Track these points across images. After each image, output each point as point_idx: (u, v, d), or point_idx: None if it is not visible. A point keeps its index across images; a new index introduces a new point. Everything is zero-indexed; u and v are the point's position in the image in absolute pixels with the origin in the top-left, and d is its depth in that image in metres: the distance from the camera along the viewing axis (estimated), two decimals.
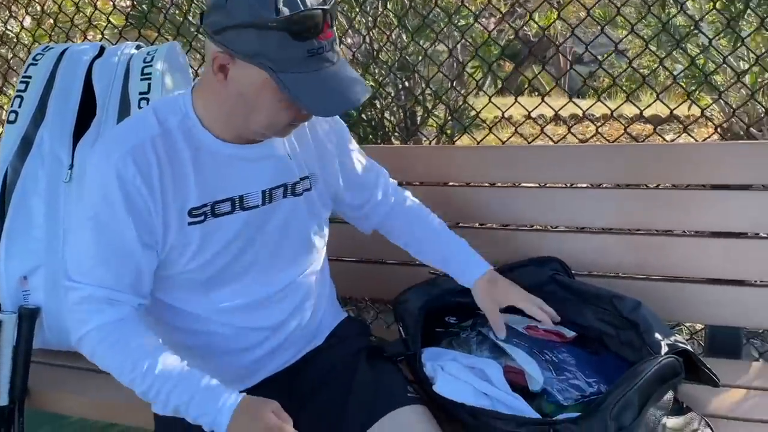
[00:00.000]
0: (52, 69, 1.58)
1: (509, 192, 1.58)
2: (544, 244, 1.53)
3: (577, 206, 1.52)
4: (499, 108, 2.05)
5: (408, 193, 1.39)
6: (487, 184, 1.60)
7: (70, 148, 1.50)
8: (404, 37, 2.55)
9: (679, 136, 3.74)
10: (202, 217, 1.08)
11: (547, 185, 1.55)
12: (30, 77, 1.56)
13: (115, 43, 2.06)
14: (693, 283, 1.45)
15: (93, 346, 1.04)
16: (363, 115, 2.77)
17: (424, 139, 2.79)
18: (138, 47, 1.64)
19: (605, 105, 1.96)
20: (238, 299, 1.15)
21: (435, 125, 2.81)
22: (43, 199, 1.48)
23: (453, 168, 1.59)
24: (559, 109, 2.09)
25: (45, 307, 1.46)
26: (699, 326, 2.06)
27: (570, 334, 1.33)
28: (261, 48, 0.95)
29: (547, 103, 2.07)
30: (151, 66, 1.54)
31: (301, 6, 0.94)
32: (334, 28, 1.00)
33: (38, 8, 2.84)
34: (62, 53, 1.61)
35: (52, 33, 2.77)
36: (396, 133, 2.82)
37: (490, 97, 2.02)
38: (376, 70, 2.65)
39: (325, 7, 0.96)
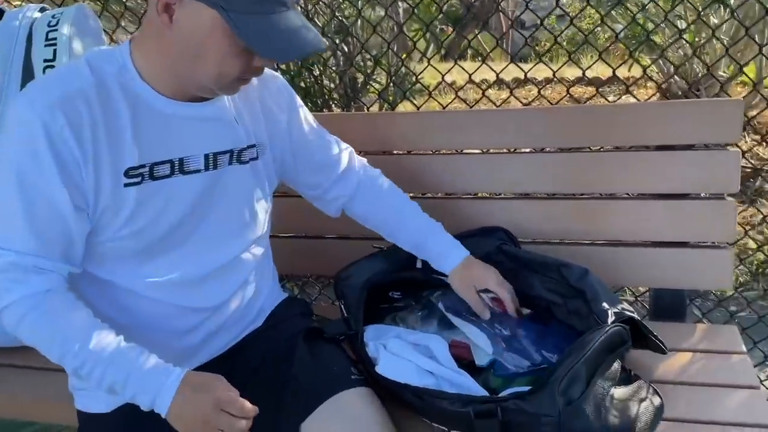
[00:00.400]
0: None
1: (452, 159, 1.51)
2: (489, 212, 1.48)
3: (521, 172, 1.47)
4: (439, 72, 1.98)
5: (378, 172, 1.31)
6: (430, 152, 1.53)
7: None
8: None
9: (620, 98, 3.77)
10: (139, 179, 0.98)
11: (491, 151, 1.49)
12: None
13: (17, 5, 1.87)
14: (637, 246, 1.43)
15: (18, 318, 0.93)
16: (302, 83, 2.66)
17: (365, 107, 2.70)
18: (42, 10, 1.48)
19: (548, 66, 1.91)
20: (174, 274, 1.06)
21: (375, 92, 2.72)
22: None
23: (395, 135, 1.51)
24: (500, 72, 2.03)
25: None
26: (642, 289, 2.07)
27: (525, 312, 1.29)
28: None
29: (489, 66, 2.01)
30: (56, 30, 1.39)
31: None
32: None
33: None
34: None
35: None
36: (335, 101, 2.72)
37: (428, 60, 1.93)
38: None
39: None
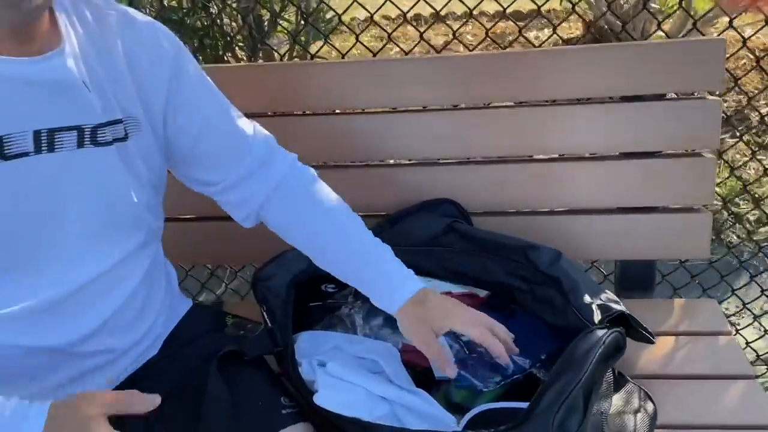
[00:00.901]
0: None
1: (385, 119, 1.25)
2: (431, 182, 1.25)
3: (466, 132, 1.23)
4: (364, 7, 1.68)
5: (311, 173, 0.98)
6: (358, 110, 1.26)
7: None
8: None
9: (549, 38, 3.58)
10: None
11: (429, 108, 1.25)
12: None
13: None
14: (601, 213, 1.25)
15: None
16: (198, 22, 2.28)
17: (274, 51, 2.36)
18: None
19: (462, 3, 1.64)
20: (12, 304, 0.75)
21: (285, 32, 2.38)
22: None
23: (314, 90, 1.23)
24: (412, 7, 1.74)
25: None
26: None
27: (483, 293, 1.09)
28: None
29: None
30: None
31: None
32: None
33: None
34: None
35: None
36: (239, 44, 2.37)
37: None
38: None
39: None
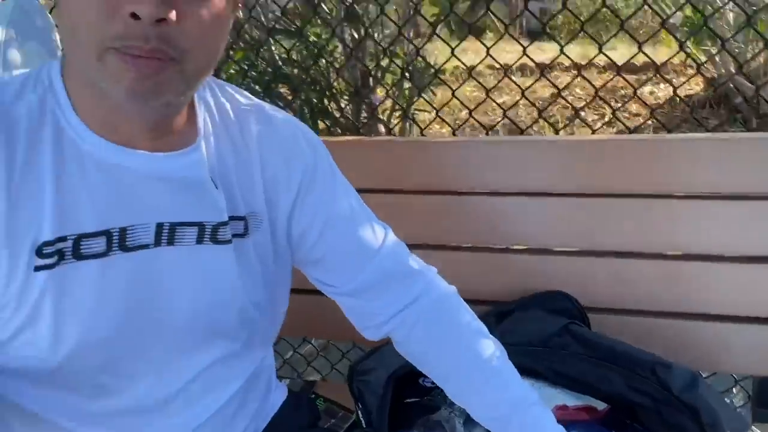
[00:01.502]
0: None
1: (498, 201, 1.17)
2: (545, 271, 1.16)
3: (587, 220, 1.14)
4: (460, 60, 1.61)
5: (454, 292, 0.86)
6: (469, 191, 1.19)
7: None
8: None
9: (668, 99, 3.39)
10: (55, 258, 0.64)
11: (546, 192, 1.16)
12: None
13: None
14: (736, 322, 1.10)
15: None
16: (308, 76, 2.30)
17: (377, 104, 2.36)
18: None
19: (566, 55, 1.53)
20: (112, 402, 0.73)
21: (390, 82, 2.37)
22: None
23: (424, 167, 1.18)
24: (515, 62, 1.66)
25: None
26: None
27: (601, 406, 0.99)
28: None
29: (490, 54, 1.60)
30: None
31: None
32: None
33: None
34: None
35: None
36: (345, 98, 2.38)
37: (452, 49, 1.54)
38: (319, 21, 2.18)
39: None
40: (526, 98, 1.60)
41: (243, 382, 0.83)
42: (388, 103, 2.55)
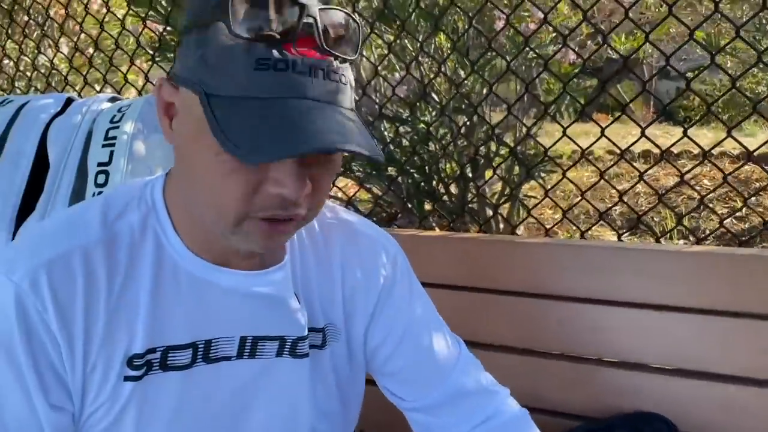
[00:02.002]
0: (5, 128, 1.25)
1: (592, 310, 1.12)
2: (638, 388, 1.07)
3: (692, 336, 1.05)
4: (579, 146, 1.52)
5: (524, 413, 0.83)
6: (562, 296, 1.15)
7: (10, 235, 1.16)
8: (461, 72, 2.13)
9: None
10: (143, 370, 0.68)
11: (644, 303, 1.09)
12: None
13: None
14: None
15: None
16: (417, 158, 2.36)
17: (485, 188, 2.36)
18: (113, 100, 1.29)
19: (694, 142, 1.40)
20: None
21: (502, 161, 2.36)
22: None
23: (516, 268, 1.16)
24: (631, 145, 1.52)
25: None
26: None
27: None
28: (198, 58, 0.59)
29: (605, 136, 1.46)
30: (117, 128, 1.18)
31: None
32: (324, 42, 0.59)
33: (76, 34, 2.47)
34: (21, 108, 1.28)
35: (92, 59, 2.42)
36: (453, 182, 2.40)
37: (564, 129, 1.48)
38: (428, 109, 2.25)
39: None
40: (646, 182, 1.49)
41: None
42: (497, 186, 2.53)
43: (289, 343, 0.75)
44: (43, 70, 2.53)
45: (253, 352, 0.74)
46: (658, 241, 1.40)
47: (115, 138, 1.18)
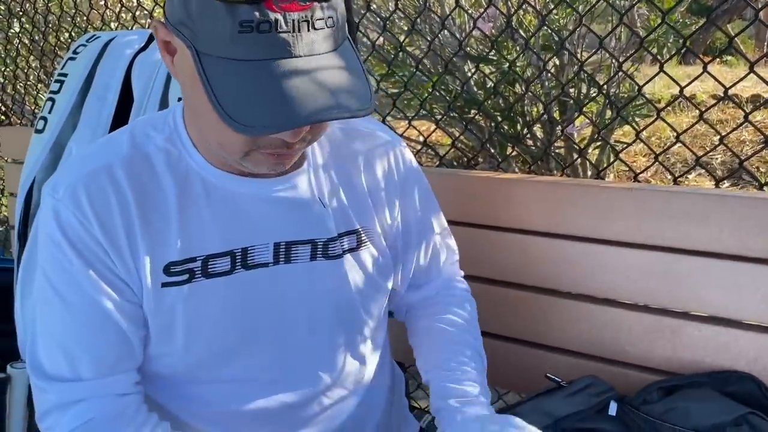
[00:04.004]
0: (93, 65, 1.29)
1: (680, 260, 1.04)
2: (731, 348, 1.00)
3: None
4: (676, 82, 1.36)
5: (462, 288, 0.98)
6: (643, 242, 1.08)
7: None
8: (550, 4, 2.00)
9: None
10: (186, 276, 0.74)
11: (744, 255, 1.00)
12: (65, 75, 1.29)
13: None
14: None
15: None
16: (502, 99, 2.28)
17: (574, 133, 2.24)
18: None
19: None
20: (235, 404, 0.80)
21: (594, 110, 2.23)
22: None
23: (598, 212, 1.09)
24: (733, 85, 1.32)
25: None
26: None
27: None
28: (184, 9, 0.61)
29: (758, 74, 1.28)
30: None
31: None
32: None
33: None
34: (107, 44, 1.32)
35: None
36: (539, 125, 2.30)
37: (662, 65, 1.33)
38: (512, 47, 2.14)
39: None
40: (752, 124, 1.33)
41: (362, 394, 0.88)
42: (586, 131, 2.41)
43: (321, 246, 0.79)
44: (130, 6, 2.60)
45: (288, 257, 0.78)
46: (761, 189, 1.27)
47: None
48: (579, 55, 2.00)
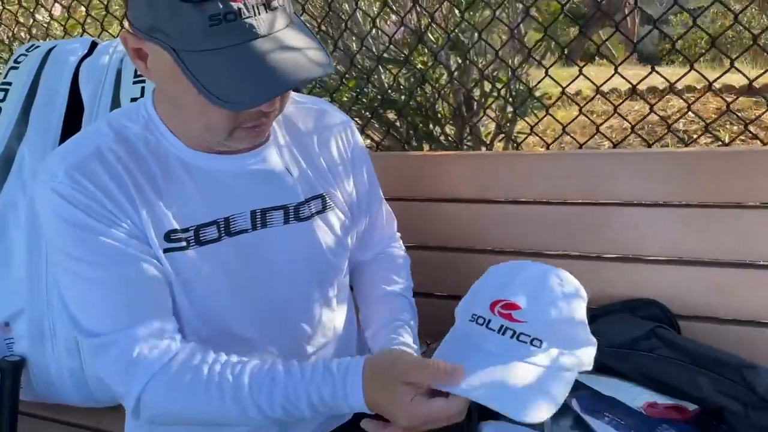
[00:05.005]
0: (36, 72, 1.33)
1: (590, 211, 1.23)
2: (636, 280, 1.20)
3: (679, 231, 1.17)
4: (558, 83, 1.62)
5: (399, 246, 1.14)
6: (562, 201, 1.26)
7: None
8: (456, 12, 2.20)
9: None
10: (184, 244, 0.84)
11: (641, 202, 1.20)
12: (9, 84, 1.32)
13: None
14: None
15: (162, 395, 0.79)
16: (414, 100, 2.45)
17: (479, 125, 2.44)
18: None
19: (701, 75, 1.50)
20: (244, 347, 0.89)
21: (494, 106, 2.46)
22: (24, 231, 1.24)
23: (516, 178, 1.27)
24: (639, 82, 1.60)
25: (30, 357, 1.24)
26: None
27: (692, 407, 1.01)
28: (153, 16, 0.70)
29: (621, 74, 1.59)
30: None
31: None
32: None
33: None
34: (48, 52, 1.36)
35: (85, 23, 2.50)
36: (450, 122, 2.49)
37: (546, 69, 1.61)
38: (426, 50, 2.32)
39: None
40: (620, 116, 1.60)
41: (343, 341, 1.01)
42: (491, 126, 2.63)
43: (292, 210, 0.91)
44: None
45: (264, 222, 0.89)
46: (649, 146, 1.51)
47: None
48: (484, 57, 2.21)
